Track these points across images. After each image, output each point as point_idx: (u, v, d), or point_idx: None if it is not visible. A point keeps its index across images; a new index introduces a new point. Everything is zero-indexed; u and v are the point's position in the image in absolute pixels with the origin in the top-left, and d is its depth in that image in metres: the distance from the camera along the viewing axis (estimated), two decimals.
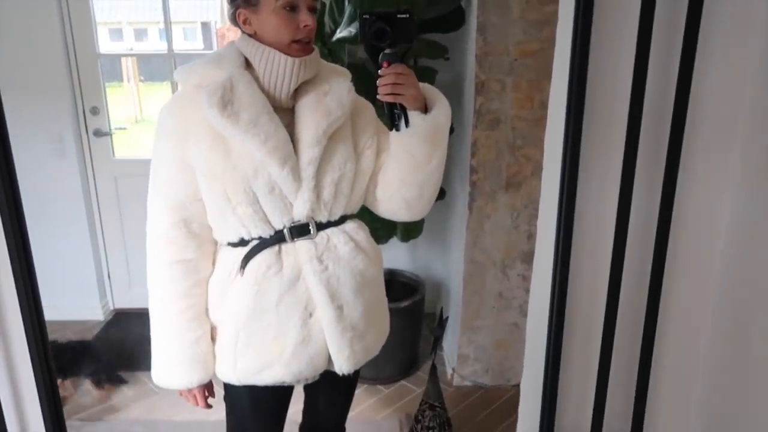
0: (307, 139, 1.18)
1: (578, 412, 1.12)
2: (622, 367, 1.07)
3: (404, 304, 2.52)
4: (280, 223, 1.20)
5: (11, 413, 1.09)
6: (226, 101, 1.13)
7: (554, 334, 1.03)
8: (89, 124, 3.01)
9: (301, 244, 1.22)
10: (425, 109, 1.20)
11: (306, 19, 1.14)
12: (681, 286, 1.04)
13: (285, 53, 1.15)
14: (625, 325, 1.04)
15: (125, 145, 3.61)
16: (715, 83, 0.97)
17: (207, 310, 1.27)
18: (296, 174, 1.17)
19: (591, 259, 1.03)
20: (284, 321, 1.22)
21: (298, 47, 1.15)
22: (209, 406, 1.34)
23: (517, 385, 2.51)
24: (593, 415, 1.08)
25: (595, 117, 0.98)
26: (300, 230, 1.21)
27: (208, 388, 1.32)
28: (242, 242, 1.23)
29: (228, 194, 1.17)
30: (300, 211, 1.20)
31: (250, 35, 1.19)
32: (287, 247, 1.22)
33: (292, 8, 1.13)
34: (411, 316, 2.61)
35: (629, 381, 1.07)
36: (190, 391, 1.29)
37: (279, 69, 1.16)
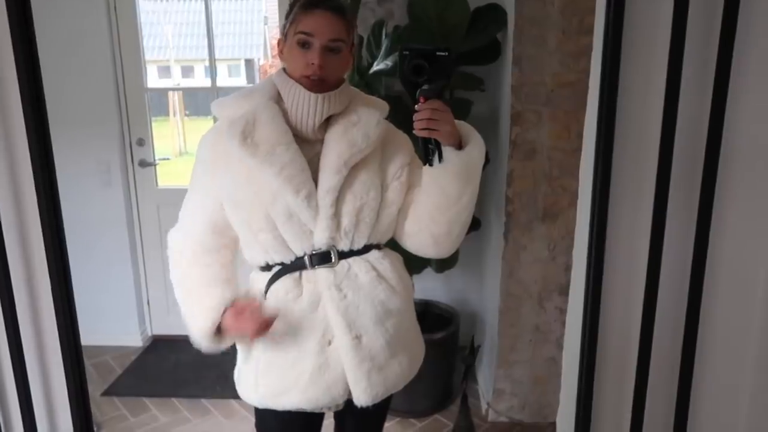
0: (327, 168, 1.21)
1: None
2: (657, 404, 1.02)
3: (438, 335, 2.49)
4: (300, 249, 1.23)
5: None
6: (246, 134, 1.19)
7: (586, 370, 0.99)
8: (135, 154, 3.12)
9: (321, 272, 1.23)
10: (459, 146, 1.21)
11: (313, 57, 1.17)
12: (718, 321, 1.00)
13: (305, 88, 1.19)
14: (660, 360, 1.00)
15: (168, 176, 3.72)
16: (749, 113, 0.94)
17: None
18: (313, 202, 1.20)
19: (624, 292, 1.00)
20: (302, 347, 1.23)
21: (308, 83, 1.19)
22: (267, 321, 1.19)
23: (554, 423, 2.43)
24: None
25: (626, 149, 0.97)
26: (321, 258, 1.23)
27: (246, 302, 1.25)
28: (267, 267, 1.27)
29: (250, 221, 1.22)
30: (320, 239, 1.22)
31: (284, 68, 1.25)
32: (308, 274, 1.24)
33: (305, 45, 1.18)
34: (445, 348, 2.57)
35: (666, 419, 1.02)
36: (232, 308, 1.22)
37: (303, 103, 1.20)
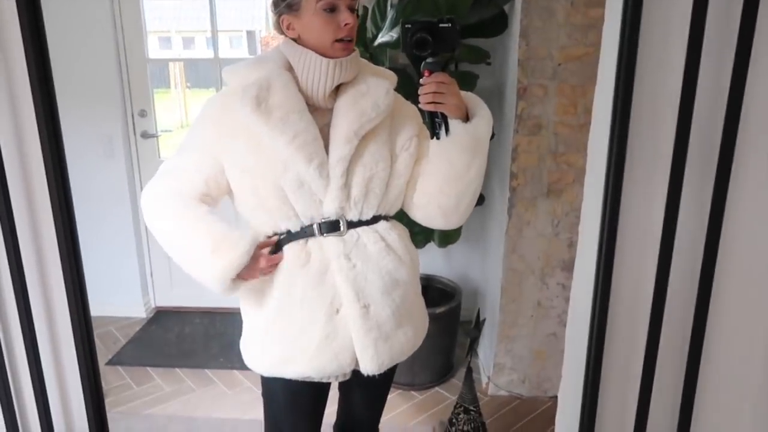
0: (338, 137, 1.21)
1: (619, 426, 1.08)
2: (666, 381, 1.03)
3: (440, 310, 2.50)
4: (309, 218, 1.23)
5: (57, 405, 1.13)
6: (260, 99, 1.17)
7: (595, 345, 0.99)
8: (137, 126, 3.10)
9: (330, 240, 1.23)
10: (466, 118, 1.19)
11: (347, 17, 1.16)
12: (731, 297, 0.99)
13: (327, 55, 1.18)
14: (669, 337, 1.00)
15: (171, 148, 3.70)
16: None
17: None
18: (324, 171, 1.19)
19: (635, 268, 0.99)
20: (309, 315, 1.24)
21: (341, 46, 1.18)
22: (275, 260, 1.23)
23: (555, 397, 2.46)
24: (635, 429, 1.04)
25: (641, 123, 0.95)
26: (330, 226, 1.23)
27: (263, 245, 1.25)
28: (275, 235, 1.26)
29: (258, 188, 1.21)
30: (329, 208, 1.22)
31: (293, 39, 1.22)
32: (316, 242, 1.24)
33: (332, 9, 1.16)
34: (447, 322, 2.59)
35: (674, 395, 1.02)
36: (255, 262, 1.21)
37: (316, 70, 1.19)
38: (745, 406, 1.06)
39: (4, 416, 1.10)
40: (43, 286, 1.04)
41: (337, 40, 1.17)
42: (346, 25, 1.16)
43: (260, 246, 1.22)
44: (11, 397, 1.06)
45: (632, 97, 0.91)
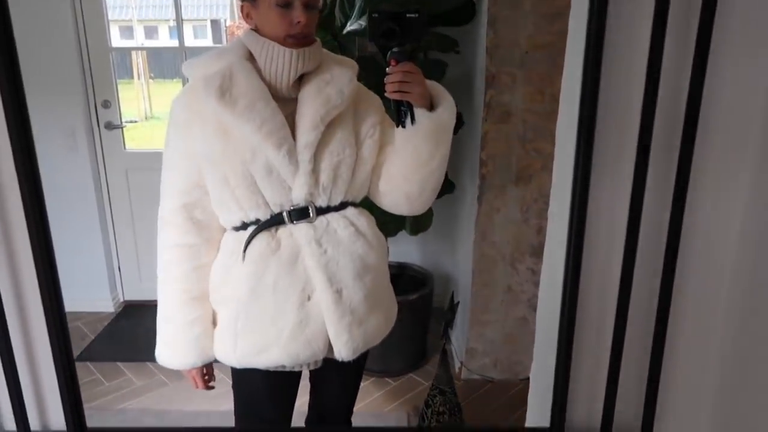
0: (305, 124, 1.22)
1: (589, 404, 1.11)
2: (633, 360, 1.07)
3: (413, 297, 2.53)
4: (278, 206, 1.23)
5: (31, 402, 1.11)
6: (224, 89, 1.18)
7: (566, 327, 1.02)
8: (101, 117, 3.03)
9: (300, 227, 1.24)
10: (431, 107, 1.21)
11: (299, 15, 1.17)
12: (693, 280, 1.04)
13: (283, 45, 1.19)
14: (636, 318, 1.04)
15: (136, 140, 3.63)
16: (731, 76, 0.96)
17: (207, 295, 1.32)
18: (293, 157, 1.20)
19: (603, 253, 1.02)
20: (281, 303, 1.24)
21: (293, 41, 1.19)
22: (209, 388, 1.40)
23: (525, 379, 2.51)
24: (604, 407, 1.08)
25: (608, 108, 0.98)
26: (300, 213, 1.24)
27: (207, 372, 1.37)
28: (243, 226, 1.26)
29: (227, 177, 1.21)
30: (298, 195, 1.22)
31: (253, 29, 1.23)
32: (285, 229, 1.25)
33: (286, 5, 1.17)
34: (420, 309, 2.62)
35: (641, 373, 1.07)
36: (188, 372, 1.35)
37: (278, 60, 1.20)
38: (708, 378, 1.11)
39: None
40: (16, 283, 1.02)
41: (290, 35, 1.18)
42: (298, 22, 1.17)
43: (201, 375, 1.36)
44: None
45: (599, 83, 0.93)
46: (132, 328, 3.05)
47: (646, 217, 0.97)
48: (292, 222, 1.24)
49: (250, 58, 1.23)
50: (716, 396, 1.12)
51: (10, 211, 1.01)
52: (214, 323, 1.34)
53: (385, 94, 1.19)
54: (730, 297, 1.05)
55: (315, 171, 1.22)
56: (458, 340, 2.76)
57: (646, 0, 0.92)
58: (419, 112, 1.20)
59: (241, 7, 1.23)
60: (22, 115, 0.88)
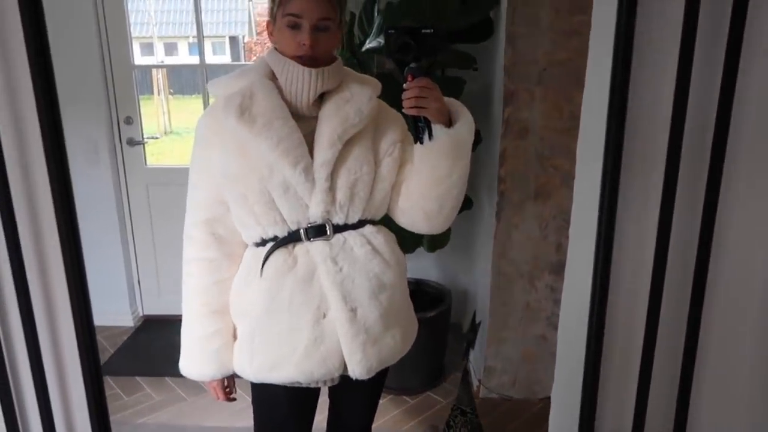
0: (322, 142, 1.23)
1: (617, 423, 1.09)
2: (662, 382, 1.05)
3: (430, 314, 2.51)
4: (295, 223, 1.24)
5: (60, 417, 1.12)
6: (244, 108, 1.20)
7: (593, 348, 1.01)
8: (123, 133, 3.08)
9: (317, 245, 1.25)
10: (449, 123, 1.21)
11: (304, 38, 1.19)
12: (724, 294, 1.02)
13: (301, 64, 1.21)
14: (665, 337, 1.02)
15: (156, 155, 3.69)
16: (761, 84, 0.95)
17: (228, 308, 1.33)
18: (309, 175, 1.21)
19: (631, 270, 1.01)
20: (296, 320, 1.25)
21: (300, 62, 1.21)
22: (230, 400, 1.41)
23: (545, 398, 2.48)
24: (633, 425, 1.06)
25: (635, 128, 0.97)
26: (317, 231, 1.24)
27: (228, 384, 1.39)
28: (262, 242, 1.28)
29: (246, 194, 1.23)
30: (315, 212, 1.23)
31: (275, 48, 1.26)
32: (302, 246, 1.25)
33: (295, 26, 1.19)
34: (437, 326, 2.60)
35: (670, 394, 1.04)
36: (209, 383, 1.37)
37: (297, 79, 1.22)
38: (740, 406, 1.08)
39: (8, 430, 1.09)
40: (47, 296, 1.04)
41: (298, 56, 1.20)
42: (303, 44, 1.19)
43: (222, 387, 1.37)
44: (15, 410, 1.06)
45: (627, 101, 0.93)
46: (151, 343, 3.07)
47: (675, 233, 0.96)
48: (308, 239, 1.24)
49: (272, 77, 1.26)
50: (748, 417, 1.09)
51: (43, 227, 1.03)
52: (235, 336, 1.34)
53: (402, 110, 1.20)
54: (761, 315, 1.03)
55: (332, 189, 1.23)
56: (476, 357, 2.74)
57: (674, 17, 0.92)
58: (437, 128, 1.20)
59: (267, 23, 1.25)
60: (58, 137, 0.91)
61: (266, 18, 1.27)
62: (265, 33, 1.30)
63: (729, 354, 1.05)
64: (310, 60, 1.20)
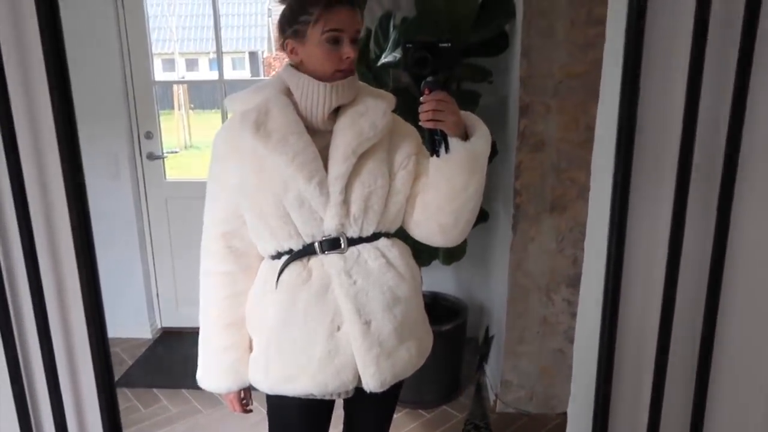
0: (337, 156, 1.24)
1: None
2: (675, 396, 1.03)
3: (446, 327, 2.50)
4: (310, 236, 1.25)
5: (74, 425, 1.14)
6: (259, 123, 1.22)
7: (605, 362, 1.00)
8: (143, 147, 3.13)
9: (331, 257, 1.25)
10: (465, 137, 1.22)
11: (348, 51, 1.21)
12: (739, 307, 1.00)
13: (325, 80, 1.22)
14: (678, 352, 1.01)
15: (176, 169, 3.74)
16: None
17: (244, 321, 1.35)
18: (324, 189, 1.22)
19: (642, 283, 1.00)
20: (311, 332, 1.25)
21: (341, 75, 1.23)
22: (247, 412, 1.42)
23: (563, 414, 2.44)
24: None
25: (646, 139, 0.97)
26: (331, 244, 1.25)
27: (244, 395, 1.40)
28: (278, 255, 1.29)
29: (262, 208, 1.24)
30: (330, 226, 1.24)
31: (294, 64, 1.27)
32: (317, 259, 1.26)
33: (336, 41, 1.20)
34: (453, 339, 2.59)
35: (684, 409, 1.03)
36: (226, 395, 1.38)
37: (314, 94, 1.23)
38: (755, 419, 1.06)
39: None
40: (62, 307, 1.05)
41: (338, 70, 1.22)
42: (347, 58, 1.21)
43: (239, 399, 1.39)
44: (31, 423, 1.07)
45: (637, 113, 0.93)
46: (169, 355, 3.09)
47: (687, 245, 0.95)
48: (323, 252, 1.25)
49: (288, 92, 1.27)
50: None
51: (59, 236, 1.05)
52: (251, 349, 1.35)
53: (419, 123, 1.20)
54: None
55: (346, 202, 1.24)
56: (493, 371, 2.71)
57: (684, 28, 0.92)
58: (453, 141, 1.21)
59: (286, 43, 1.25)
60: (75, 152, 0.93)
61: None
62: None
63: (743, 368, 1.04)
64: (349, 72, 1.23)
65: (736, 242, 0.96)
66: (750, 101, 0.90)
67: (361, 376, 1.27)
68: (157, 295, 3.32)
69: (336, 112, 1.28)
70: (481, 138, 1.22)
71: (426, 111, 1.17)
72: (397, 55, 2.25)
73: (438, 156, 1.24)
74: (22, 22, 0.97)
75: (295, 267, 1.26)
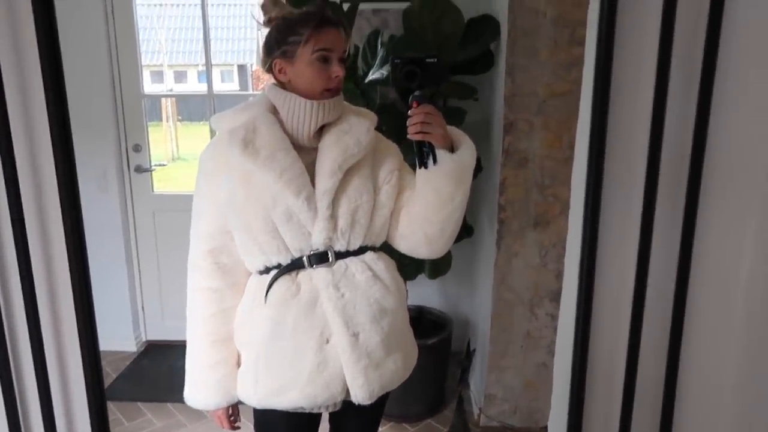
0: (323, 171, 1.27)
1: None
2: (645, 408, 1.06)
3: (431, 341, 2.52)
4: (298, 250, 1.28)
5: None
6: (247, 141, 1.25)
7: (578, 375, 1.03)
8: (131, 160, 3.14)
9: (319, 271, 1.28)
10: (452, 149, 1.25)
11: (337, 70, 1.25)
12: (703, 320, 1.04)
13: (311, 98, 1.26)
14: (647, 367, 1.04)
15: (163, 181, 3.74)
16: (736, 122, 0.99)
17: (232, 337, 1.36)
18: (312, 203, 1.25)
19: (614, 299, 1.03)
20: (300, 346, 1.27)
21: (329, 94, 1.27)
22: (235, 429, 1.43)
23: (546, 427, 2.46)
24: None
25: (617, 159, 1.01)
26: (319, 258, 1.28)
27: (232, 412, 1.40)
28: (266, 270, 1.31)
29: (250, 223, 1.26)
30: (318, 240, 1.27)
31: (280, 82, 1.30)
32: (305, 273, 1.28)
33: (325, 60, 1.24)
34: (438, 353, 2.60)
35: (653, 422, 1.06)
36: (213, 412, 1.38)
37: (300, 112, 1.27)
38: (725, 420, 1.10)
39: None
40: (55, 320, 1.07)
41: (327, 89, 1.25)
42: (336, 77, 1.25)
43: (226, 415, 1.39)
44: None
45: (606, 131, 0.97)
46: (153, 368, 3.07)
47: (655, 259, 0.98)
48: (311, 266, 1.28)
49: (274, 110, 1.30)
50: None
51: (53, 251, 1.06)
52: (239, 364, 1.36)
53: (408, 136, 1.23)
54: (739, 344, 1.05)
55: (333, 216, 1.27)
56: (477, 385, 2.73)
57: (649, 52, 0.96)
58: (440, 153, 1.24)
59: (274, 63, 1.28)
60: (71, 170, 0.95)
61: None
62: None
63: (709, 378, 1.07)
64: (337, 91, 1.27)
65: (701, 253, 1.01)
66: (713, 117, 0.95)
67: (350, 388, 1.28)
68: (143, 307, 3.31)
69: (320, 130, 1.31)
70: (468, 150, 1.26)
71: (414, 123, 1.21)
72: (384, 71, 2.28)
73: (426, 167, 1.27)
74: (22, 46, 0.99)
75: (284, 281, 1.28)
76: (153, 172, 3.21)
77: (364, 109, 1.40)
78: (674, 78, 0.95)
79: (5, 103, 0.97)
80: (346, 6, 2.38)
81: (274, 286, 1.28)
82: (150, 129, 3.29)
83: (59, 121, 0.94)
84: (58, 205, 0.98)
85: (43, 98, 0.97)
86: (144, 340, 3.33)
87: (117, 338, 3.21)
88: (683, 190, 0.96)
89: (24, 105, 1.00)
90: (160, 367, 3.07)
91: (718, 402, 1.08)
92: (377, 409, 1.45)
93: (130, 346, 3.23)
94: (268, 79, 1.35)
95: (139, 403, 2.74)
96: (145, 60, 3.13)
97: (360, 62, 2.42)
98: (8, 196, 0.99)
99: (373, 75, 2.33)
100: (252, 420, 1.41)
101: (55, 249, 1.04)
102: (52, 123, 0.93)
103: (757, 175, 1.00)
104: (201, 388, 1.36)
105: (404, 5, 2.43)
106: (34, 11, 0.95)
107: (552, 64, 2.22)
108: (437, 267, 2.52)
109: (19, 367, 1.09)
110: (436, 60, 1.22)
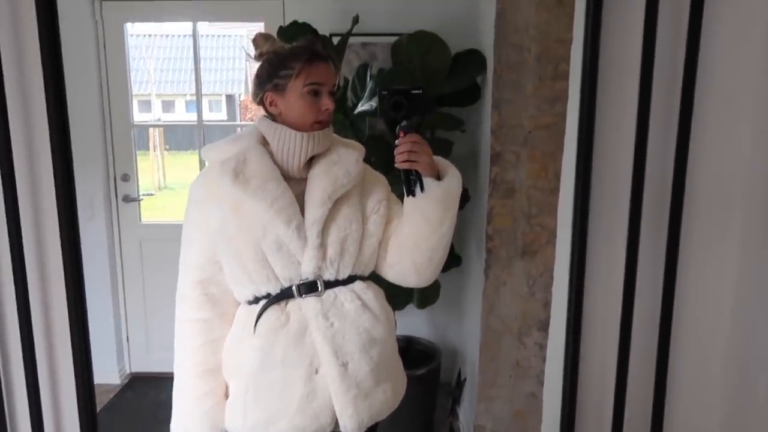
0: (313, 201, 1.29)
1: None
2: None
3: (420, 371, 2.51)
4: (288, 279, 1.28)
5: None
6: (238, 171, 1.27)
7: (568, 405, 1.04)
8: (119, 190, 3.13)
9: (309, 301, 1.28)
10: (438, 177, 1.28)
11: (327, 103, 1.28)
12: (688, 348, 1.06)
13: (301, 130, 1.29)
14: (637, 394, 1.05)
15: (150, 210, 3.73)
16: (713, 156, 1.03)
17: (221, 367, 1.34)
18: (302, 233, 1.26)
19: (601, 328, 1.05)
20: (289, 376, 1.27)
21: (319, 126, 1.30)
22: None
23: None
24: None
25: (602, 189, 1.03)
26: (308, 287, 1.28)
27: None
28: (255, 300, 1.31)
29: (240, 252, 1.27)
30: (307, 269, 1.27)
31: (271, 114, 1.33)
32: (295, 303, 1.29)
33: (316, 93, 1.27)
34: (427, 384, 2.59)
35: None
36: None
37: (290, 143, 1.29)
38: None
39: None
40: (49, 350, 1.06)
41: (317, 122, 1.28)
42: (326, 109, 1.28)
43: None
44: None
45: (592, 163, 1.00)
46: (138, 401, 3.02)
47: (640, 289, 1.00)
48: (300, 296, 1.28)
49: (264, 142, 1.33)
50: None
51: (51, 281, 1.07)
52: (227, 395, 1.35)
53: (395, 165, 1.26)
54: (726, 360, 1.07)
55: (323, 245, 1.28)
56: (466, 415, 2.71)
57: (633, 80, 1.00)
58: (428, 181, 1.27)
59: (265, 96, 1.31)
60: (71, 200, 0.96)
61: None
62: None
63: (697, 407, 1.09)
64: (327, 124, 1.30)
65: (684, 273, 1.03)
66: (693, 146, 0.99)
67: (339, 418, 1.28)
68: (127, 339, 3.26)
69: (310, 161, 1.33)
70: (454, 177, 1.29)
71: (401, 152, 1.23)
72: (373, 103, 2.33)
73: (414, 195, 1.29)
74: (25, 67, 1.02)
75: (274, 311, 1.28)
76: (141, 202, 3.20)
77: (352, 141, 1.43)
78: (655, 111, 0.99)
79: (8, 126, 0.99)
80: (336, 40, 2.44)
81: (264, 315, 1.28)
82: (138, 158, 3.29)
83: (62, 150, 0.96)
84: (57, 235, 0.99)
85: (47, 129, 0.99)
86: (128, 372, 3.28)
87: (101, 371, 3.09)
88: (666, 221, 0.99)
89: (27, 140, 1.02)
90: (144, 400, 3.02)
91: (705, 416, 1.09)
92: None
93: (114, 379, 3.17)
94: (256, 109, 1.38)
95: None
96: (133, 90, 3.15)
97: (349, 94, 2.46)
98: (8, 225, 1.00)
99: (362, 107, 2.37)
100: None
101: (54, 287, 1.05)
102: (54, 148, 0.95)
103: (734, 202, 1.03)
104: (188, 419, 1.34)
105: (393, 39, 2.49)
106: (40, 38, 0.96)
107: (536, 97, 2.27)
108: (426, 296, 2.53)
109: (12, 402, 1.07)
110: (421, 91, 1.26)
